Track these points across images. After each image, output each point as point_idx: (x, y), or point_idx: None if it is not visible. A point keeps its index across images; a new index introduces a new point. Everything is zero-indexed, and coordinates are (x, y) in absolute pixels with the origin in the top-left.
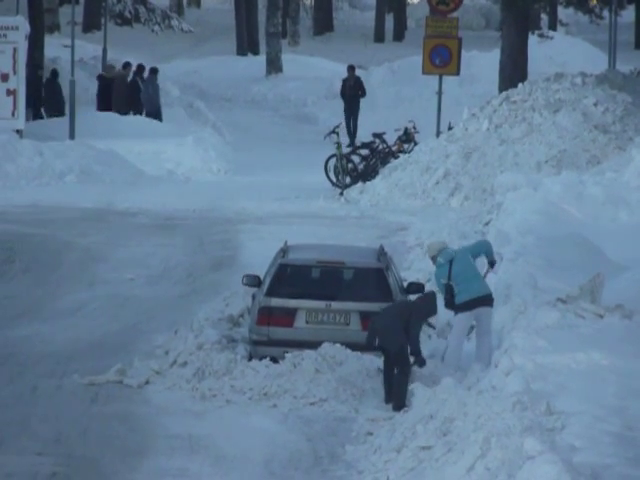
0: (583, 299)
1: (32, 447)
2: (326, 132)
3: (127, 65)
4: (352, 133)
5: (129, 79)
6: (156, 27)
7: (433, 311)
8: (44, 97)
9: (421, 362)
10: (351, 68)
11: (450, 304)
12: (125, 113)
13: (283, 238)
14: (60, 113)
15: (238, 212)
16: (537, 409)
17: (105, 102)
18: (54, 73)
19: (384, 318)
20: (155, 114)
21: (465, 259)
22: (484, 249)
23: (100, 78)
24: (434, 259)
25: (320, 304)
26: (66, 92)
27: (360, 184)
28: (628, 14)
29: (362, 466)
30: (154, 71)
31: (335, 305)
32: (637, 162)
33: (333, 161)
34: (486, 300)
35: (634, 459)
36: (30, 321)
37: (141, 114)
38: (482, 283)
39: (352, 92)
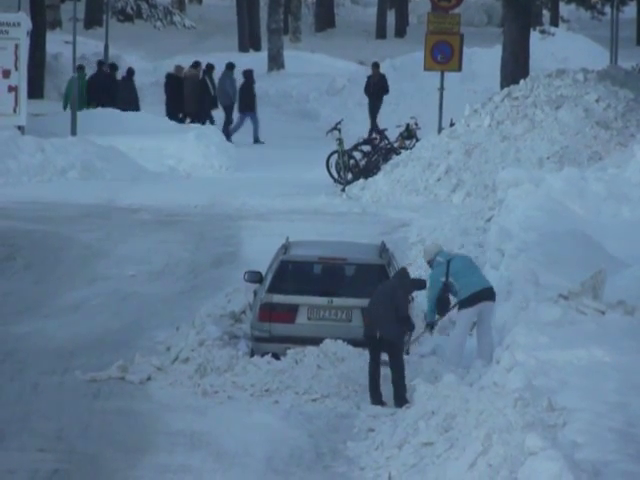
0: (585, 295)
1: (34, 443)
2: (328, 128)
3: (197, 64)
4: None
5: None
6: (158, 23)
7: (410, 284)
8: (119, 95)
9: (410, 326)
10: (375, 66)
11: (442, 303)
12: (197, 114)
13: (285, 234)
14: (135, 110)
15: (239, 208)
16: (539, 405)
17: (175, 102)
18: (130, 72)
19: (377, 308)
20: (230, 108)
21: (464, 259)
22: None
23: (169, 77)
24: (431, 262)
25: (322, 300)
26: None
27: (362, 180)
28: (630, 10)
29: (364, 462)
30: (230, 66)
31: (337, 301)
32: (639, 158)
33: (335, 157)
34: (488, 294)
35: (636, 455)
36: (31, 318)
37: (210, 115)
38: (483, 278)
39: (376, 89)
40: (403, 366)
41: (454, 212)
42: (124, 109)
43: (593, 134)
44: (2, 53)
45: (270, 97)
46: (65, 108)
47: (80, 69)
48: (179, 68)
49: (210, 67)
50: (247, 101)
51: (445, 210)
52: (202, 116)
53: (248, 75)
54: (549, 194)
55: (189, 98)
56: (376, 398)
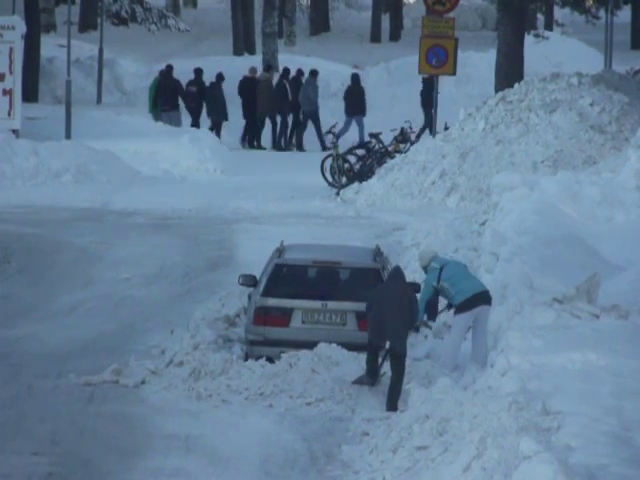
0: (579, 299)
1: (28, 447)
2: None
3: (269, 68)
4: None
5: (275, 82)
6: (152, 27)
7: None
8: (207, 102)
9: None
10: None
11: (432, 308)
12: (271, 116)
13: (279, 238)
14: (223, 117)
15: (234, 212)
16: (533, 409)
17: (248, 104)
18: (219, 77)
19: (393, 318)
20: (313, 114)
21: (458, 265)
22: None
23: (243, 80)
24: (425, 268)
25: (316, 304)
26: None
27: (356, 184)
28: (624, 14)
29: (358, 466)
30: (314, 73)
31: (331, 305)
32: (633, 162)
33: (329, 161)
34: (485, 297)
35: (630, 459)
36: (26, 321)
37: (286, 118)
38: (478, 282)
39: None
40: (404, 372)
41: (448, 216)
42: (212, 118)
43: (587, 138)
44: None
45: None
46: (151, 111)
47: (160, 74)
48: (253, 70)
49: (286, 71)
50: (355, 104)
51: (439, 214)
52: (282, 119)
53: (355, 79)
54: (543, 198)
55: (262, 101)
56: (374, 376)
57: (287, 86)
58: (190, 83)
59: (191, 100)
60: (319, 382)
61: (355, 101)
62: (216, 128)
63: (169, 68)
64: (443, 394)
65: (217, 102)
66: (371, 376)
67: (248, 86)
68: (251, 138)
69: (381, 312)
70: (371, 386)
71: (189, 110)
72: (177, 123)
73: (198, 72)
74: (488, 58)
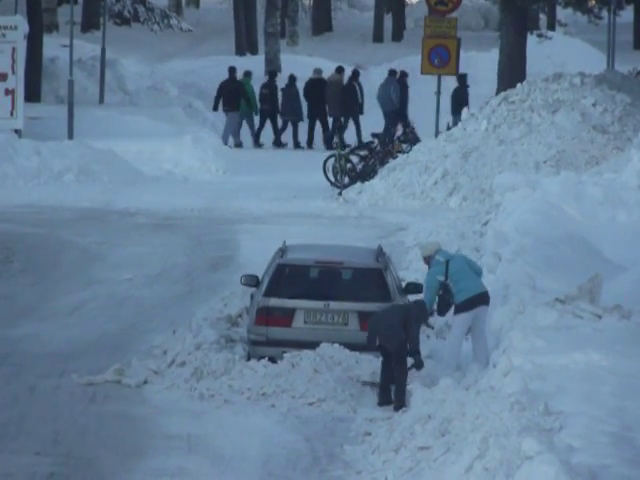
0: (581, 299)
1: (30, 447)
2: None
3: (340, 69)
4: None
5: (344, 83)
6: (155, 27)
7: (425, 318)
8: (282, 103)
9: (419, 364)
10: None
11: (443, 304)
12: (338, 117)
13: (281, 238)
14: (298, 119)
15: (236, 212)
16: (535, 409)
17: (315, 105)
18: (292, 79)
19: (384, 318)
20: (397, 114)
21: (461, 261)
22: (479, 271)
23: (310, 81)
24: (427, 259)
25: (318, 304)
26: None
27: (359, 184)
28: (627, 14)
29: (360, 466)
30: (393, 73)
31: (333, 305)
32: (635, 162)
33: (332, 161)
34: (484, 298)
35: (632, 459)
36: (28, 321)
37: (357, 119)
38: (479, 281)
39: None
40: (406, 373)
41: (451, 216)
42: (286, 120)
43: (590, 138)
44: None
45: None
46: (256, 113)
47: (247, 75)
48: (318, 71)
49: (356, 73)
50: (460, 103)
51: (442, 214)
52: (355, 120)
53: (462, 79)
54: (546, 198)
55: (332, 102)
56: (384, 399)
57: (357, 87)
58: (264, 86)
59: (264, 102)
60: (321, 382)
61: (460, 100)
62: (293, 129)
63: (232, 70)
64: (445, 394)
65: (294, 103)
66: (381, 398)
67: (315, 88)
68: (310, 139)
69: (376, 320)
70: (379, 406)
71: (262, 112)
72: (235, 124)
73: (272, 75)
74: (491, 58)
